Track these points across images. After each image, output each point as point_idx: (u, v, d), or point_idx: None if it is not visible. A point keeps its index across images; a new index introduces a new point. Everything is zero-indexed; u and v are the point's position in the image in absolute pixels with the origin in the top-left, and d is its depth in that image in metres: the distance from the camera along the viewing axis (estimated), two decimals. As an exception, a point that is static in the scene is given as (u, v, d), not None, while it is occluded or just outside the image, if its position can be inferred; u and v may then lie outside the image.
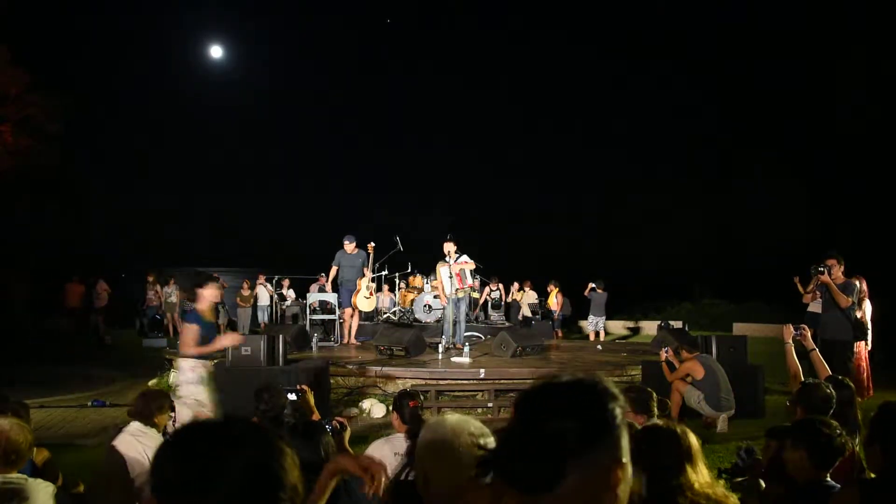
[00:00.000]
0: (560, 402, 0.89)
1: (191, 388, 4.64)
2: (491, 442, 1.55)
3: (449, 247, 9.20)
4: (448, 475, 1.52)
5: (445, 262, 9.17)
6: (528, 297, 15.16)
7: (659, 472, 1.80)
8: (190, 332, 4.70)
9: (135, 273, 16.14)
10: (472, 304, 13.53)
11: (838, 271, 6.50)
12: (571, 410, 0.88)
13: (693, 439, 1.91)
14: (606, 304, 14.09)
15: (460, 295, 9.19)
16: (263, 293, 15.56)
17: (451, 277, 9.03)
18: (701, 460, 1.89)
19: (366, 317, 11.54)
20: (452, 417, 1.61)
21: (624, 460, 0.89)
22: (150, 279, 15.56)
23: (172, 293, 15.48)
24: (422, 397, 3.62)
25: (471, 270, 9.49)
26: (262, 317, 15.61)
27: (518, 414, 0.92)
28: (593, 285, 14.00)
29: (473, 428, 1.56)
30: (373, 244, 10.18)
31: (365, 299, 9.86)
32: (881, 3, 21.81)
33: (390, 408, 7.20)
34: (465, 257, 9.29)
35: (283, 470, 0.91)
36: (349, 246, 9.72)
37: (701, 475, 1.83)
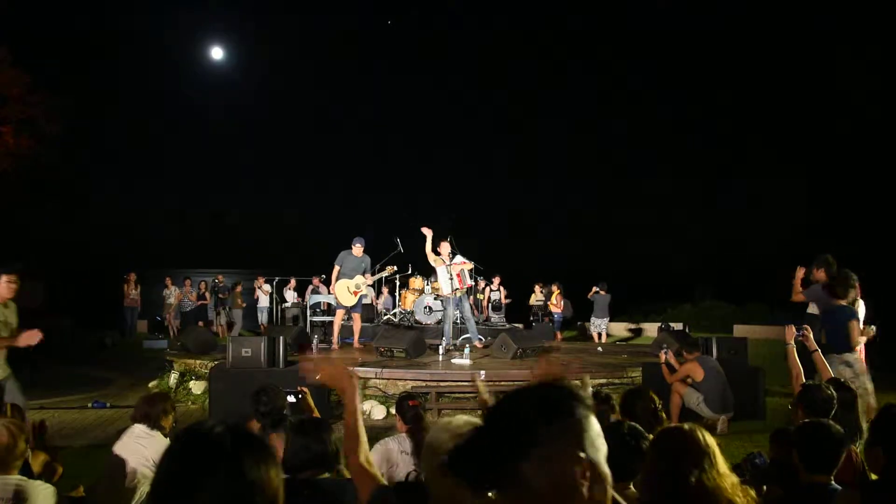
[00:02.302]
0: (521, 396, 0.94)
1: (863, 379, 5.13)
2: None
3: (445, 247, 9.20)
4: (445, 478, 1.51)
5: (442, 261, 9.17)
6: (533, 299, 15.24)
7: (675, 472, 1.80)
8: (854, 326, 5.27)
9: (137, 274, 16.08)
10: (477, 304, 13.59)
11: (820, 274, 6.47)
12: (529, 401, 0.93)
13: (709, 438, 1.90)
14: (609, 306, 14.23)
15: (460, 294, 9.20)
16: (262, 295, 15.54)
17: (450, 278, 9.04)
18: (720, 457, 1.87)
19: (366, 318, 11.49)
20: (458, 420, 1.60)
21: (582, 455, 0.89)
22: (131, 279, 15.48)
23: (172, 294, 15.45)
24: (422, 398, 3.62)
25: (469, 270, 9.47)
26: (262, 318, 15.57)
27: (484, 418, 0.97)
28: (597, 288, 14.14)
29: None
30: (395, 267, 10.17)
31: (347, 292, 9.37)
32: (882, 2, 21.82)
33: (391, 410, 7.23)
34: (459, 258, 9.29)
35: (265, 484, 0.95)
36: (357, 249, 9.42)
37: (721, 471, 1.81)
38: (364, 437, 1.84)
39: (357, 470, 1.77)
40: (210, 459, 0.92)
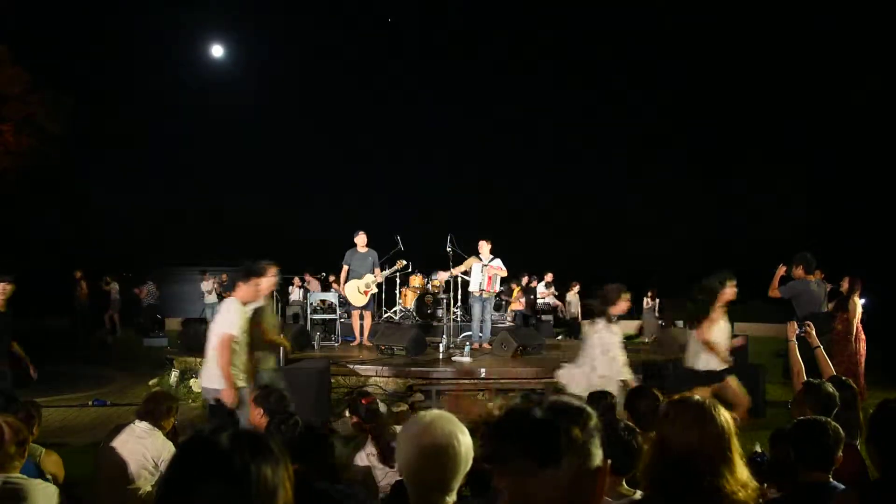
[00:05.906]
0: (569, 409, 1.08)
1: None
2: (467, 440, 1.52)
3: (484, 247, 9.20)
4: (423, 472, 1.48)
5: (479, 259, 9.17)
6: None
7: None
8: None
9: (138, 273, 16.13)
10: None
11: (799, 271, 6.97)
12: (568, 417, 1.06)
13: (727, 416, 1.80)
14: None
15: (486, 296, 9.19)
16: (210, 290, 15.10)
17: (481, 277, 9.06)
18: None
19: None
20: (429, 414, 1.57)
21: (606, 464, 1.07)
22: (107, 279, 15.45)
23: (112, 289, 15.49)
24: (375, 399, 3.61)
25: (501, 278, 9.47)
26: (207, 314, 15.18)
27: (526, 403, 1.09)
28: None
29: (450, 425, 1.51)
30: (404, 261, 10.22)
31: (357, 292, 9.36)
32: (883, 1, 21.78)
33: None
34: (498, 262, 9.22)
35: (265, 485, 0.96)
36: (360, 242, 9.35)
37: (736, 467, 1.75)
38: None
39: None
40: (206, 463, 0.94)
